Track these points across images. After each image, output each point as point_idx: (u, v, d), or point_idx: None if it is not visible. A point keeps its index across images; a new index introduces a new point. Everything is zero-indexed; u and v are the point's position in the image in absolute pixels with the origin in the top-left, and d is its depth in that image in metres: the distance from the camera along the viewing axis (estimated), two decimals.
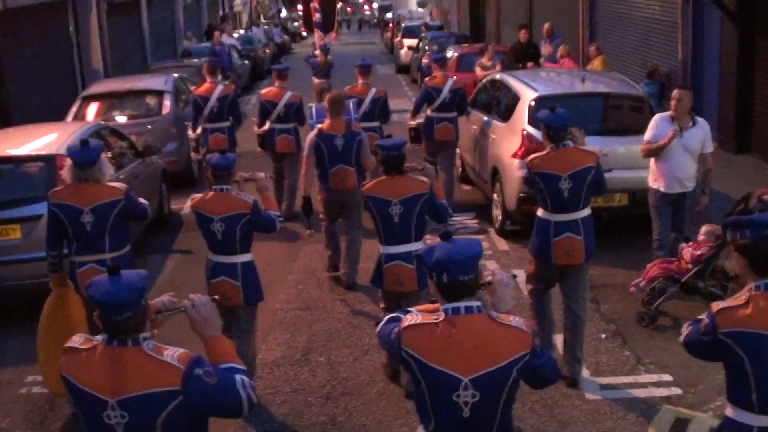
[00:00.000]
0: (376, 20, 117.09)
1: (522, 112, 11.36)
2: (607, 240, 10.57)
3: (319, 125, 10.36)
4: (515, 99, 11.70)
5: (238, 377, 3.84)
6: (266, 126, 13.12)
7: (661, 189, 9.25)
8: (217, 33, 26.42)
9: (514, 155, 11.11)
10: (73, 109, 15.21)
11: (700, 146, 9.24)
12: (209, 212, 7.18)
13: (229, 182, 7.29)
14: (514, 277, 4.34)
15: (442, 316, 3.97)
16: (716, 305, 4.26)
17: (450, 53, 21.81)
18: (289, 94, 13.09)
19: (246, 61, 30.77)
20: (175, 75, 16.96)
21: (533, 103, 11.17)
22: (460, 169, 14.61)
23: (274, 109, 12.97)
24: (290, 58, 43.47)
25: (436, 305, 4.07)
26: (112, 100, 15.44)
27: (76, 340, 3.88)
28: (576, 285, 7.60)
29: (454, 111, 13.06)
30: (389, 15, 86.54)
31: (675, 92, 9.26)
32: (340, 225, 10.60)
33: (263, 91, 13.68)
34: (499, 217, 11.74)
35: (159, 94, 15.39)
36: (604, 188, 7.74)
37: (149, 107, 15.30)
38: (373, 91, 13.06)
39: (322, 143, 10.10)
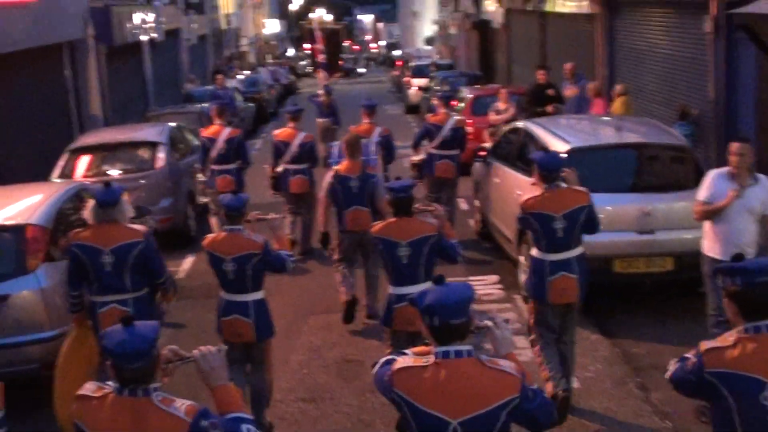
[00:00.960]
0: (383, 58, 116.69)
1: None
2: (651, 311, 9.43)
3: (336, 167, 10.60)
4: (542, 149, 10.52)
5: (244, 427, 3.99)
6: (279, 168, 13.25)
7: (718, 256, 7.99)
8: (219, 76, 25.35)
9: None
10: (60, 164, 14.10)
11: (763, 207, 8.05)
12: (221, 252, 7.32)
13: (242, 222, 7.43)
14: (506, 321, 4.38)
15: (433, 359, 4.06)
16: (704, 345, 4.34)
17: (464, 94, 20.64)
18: (302, 134, 13.32)
19: (250, 104, 29.66)
20: (172, 124, 15.87)
21: (565, 156, 10.00)
22: (479, 224, 13.44)
23: (288, 149, 13.15)
24: (296, 99, 42.48)
25: (430, 348, 4.13)
26: (102, 153, 14.33)
27: (89, 388, 4.00)
28: (566, 328, 7.81)
29: (455, 149, 13.27)
30: (396, 53, 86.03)
31: (734, 146, 8.04)
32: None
33: (276, 132, 13.83)
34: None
35: (153, 146, 14.22)
36: (597, 227, 7.84)
37: (142, 160, 14.18)
38: (378, 131, 13.01)
39: (338, 184, 10.34)
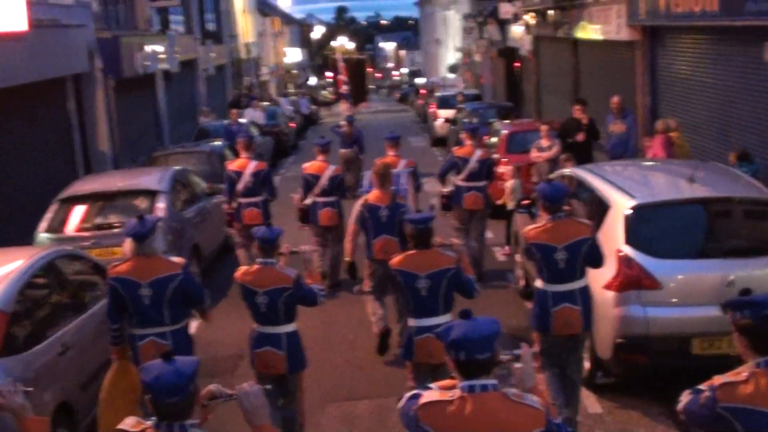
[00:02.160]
0: (407, 86, 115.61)
1: (615, 227, 8.57)
2: None
3: (366, 196, 10.74)
4: (603, 206, 8.90)
5: None
6: (308, 200, 13.26)
7: None
8: (233, 111, 23.88)
9: (608, 286, 8.28)
10: (48, 216, 12.55)
11: None
12: (253, 285, 7.42)
13: (275, 255, 7.52)
14: (536, 354, 4.85)
15: (458, 394, 4.08)
16: (718, 379, 4.30)
17: (498, 129, 19.02)
18: (332, 167, 13.47)
19: (268, 137, 28.03)
20: (177, 167, 14.35)
21: (630, 213, 8.46)
22: (522, 281, 11.84)
23: (317, 182, 13.18)
24: (318, 130, 41.00)
25: (455, 381, 4.15)
26: (95, 204, 12.79)
27: (129, 423, 4.06)
28: (571, 362, 7.76)
29: (483, 180, 13.31)
30: (419, 80, 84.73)
31: None
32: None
33: (306, 165, 13.78)
34: (587, 365, 8.82)
35: (151, 195, 12.69)
36: (601, 260, 7.77)
37: (139, 212, 12.49)
38: (403, 163, 13.03)
39: (368, 213, 10.47)
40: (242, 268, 7.72)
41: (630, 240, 8.21)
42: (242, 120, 26.06)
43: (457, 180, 13.44)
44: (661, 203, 8.55)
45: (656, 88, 20.76)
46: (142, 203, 12.53)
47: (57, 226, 12.33)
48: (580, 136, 15.63)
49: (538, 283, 7.88)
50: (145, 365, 4.09)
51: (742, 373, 4.29)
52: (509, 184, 14.19)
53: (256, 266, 7.54)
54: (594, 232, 7.73)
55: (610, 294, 8.20)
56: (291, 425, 7.60)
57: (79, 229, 12.21)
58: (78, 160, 22.19)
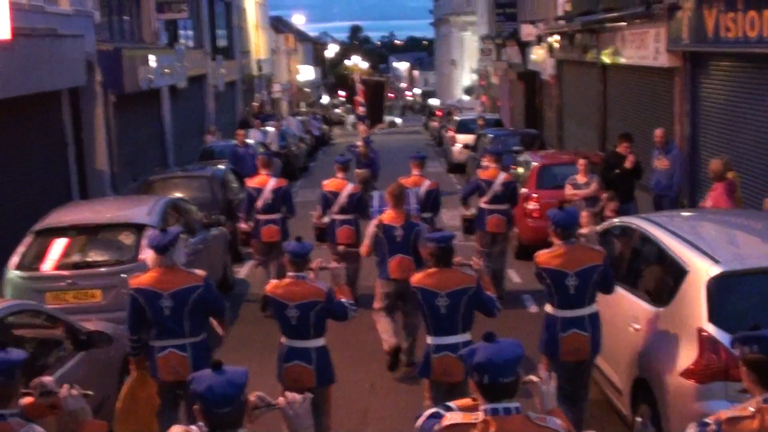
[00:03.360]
0: (419, 106, 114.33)
1: (694, 299, 6.91)
2: None
3: (380, 216, 10.80)
4: (678, 272, 7.17)
5: None
6: (326, 219, 13.27)
7: None
8: (240, 132, 22.25)
9: (687, 373, 6.64)
10: (21, 250, 10.96)
11: None
12: (284, 298, 7.46)
13: (305, 270, 7.55)
14: (550, 376, 4.41)
15: (481, 416, 4.04)
16: (724, 413, 4.27)
17: (526, 161, 17.40)
18: (351, 185, 13.51)
19: (276, 159, 26.28)
20: (170, 197, 12.82)
21: (714, 283, 6.82)
22: None
23: (336, 199, 13.19)
24: (330, 151, 39.49)
25: (476, 402, 4.14)
26: (74, 237, 11.18)
27: (175, 431, 4.07)
28: (580, 386, 7.77)
29: (506, 203, 13.33)
30: (433, 101, 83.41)
31: None
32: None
33: (326, 182, 13.74)
34: None
35: (138, 229, 11.04)
36: (611, 287, 7.81)
37: (122, 249, 11.01)
38: (426, 184, 13.18)
39: (382, 233, 10.54)
40: (273, 282, 7.91)
41: (714, 317, 6.57)
42: (250, 141, 24.49)
43: (480, 202, 13.51)
44: (754, 271, 6.89)
45: (696, 119, 19.14)
46: (127, 239, 10.94)
47: (30, 262, 10.77)
48: (629, 162, 14.06)
49: (548, 308, 7.86)
50: (195, 375, 4.05)
51: (748, 407, 4.23)
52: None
53: (287, 280, 7.60)
54: (606, 259, 7.71)
55: (690, 385, 6.55)
56: None
57: (56, 267, 10.65)
58: (72, 179, 20.70)
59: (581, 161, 14.30)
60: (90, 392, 5.02)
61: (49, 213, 11.82)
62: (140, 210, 11.66)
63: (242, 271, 15.90)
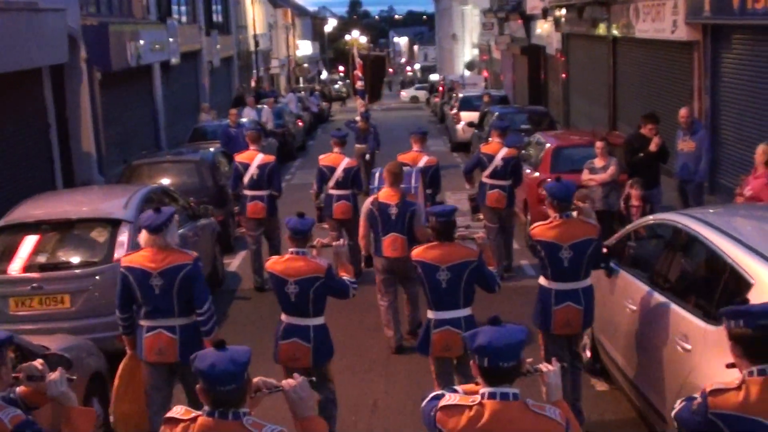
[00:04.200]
0: (418, 81, 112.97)
1: None
2: None
3: (376, 194, 10.67)
4: (739, 284, 5.95)
5: None
6: (322, 195, 13.17)
7: None
8: (232, 111, 20.99)
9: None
10: None
11: None
12: (284, 274, 7.35)
13: (306, 246, 7.46)
14: (563, 366, 4.50)
15: (478, 399, 4.05)
16: (710, 385, 4.33)
17: (539, 142, 16.18)
18: (347, 159, 13.35)
19: (272, 138, 25.06)
20: (151, 186, 11.61)
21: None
22: (589, 353, 9.09)
23: (332, 174, 13.07)
24: (329, 128, 38.12)
25: (479, 387, 4.11)
26: (41, 235, 9.85)
27: (178, 411, 4.05)
28: (575, 354, 7.87)
29: (507, 179, 13.14)
30: (433, 76, 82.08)
31: None
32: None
33: (322, 156, 13.69)
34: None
35: (113, 225, 9.79)
36: (600, 262, 7.88)
37: (95, 248, 9.78)
38: (424, 159, 12.86)
39: (376, 211, 10.43)
40: (273, 258, 7.78)
41: None
42: (244, 120, 23.32)
43: (482, 177, 13.36)
44: None
45: (717, 95, 18.03)
46: (100, 236, 9.73)
47: None
48: (654, 145, 12.85)
49: (542, 281, 7.84)
50: (198, 354, 4.03)
51: (734, 380, 4.28)
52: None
53: (287, 255, 7.46)
54: (600, 233, 7.75)
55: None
56: (330, 408, 7.55)
57: (21, 269, 9.49)
58: (56, 163, 19.53)
59: (599, 143, 13.09)
60: (74, 377, 4.86)
61: (16, 206, 10.63)
62: (116, 203, 10.38)
63: (234, 263, 14.75)
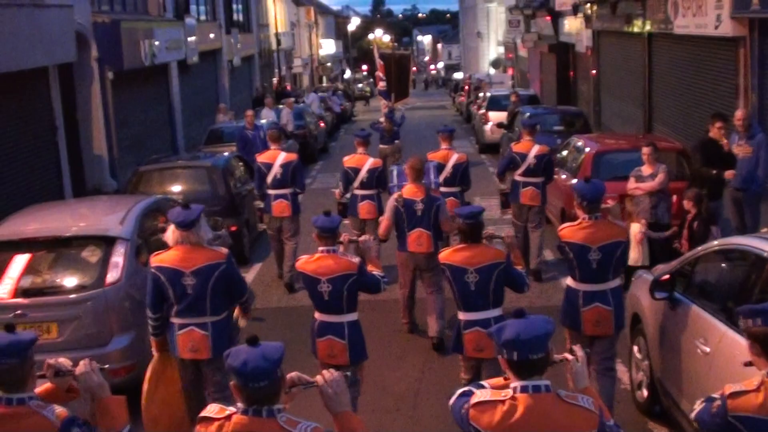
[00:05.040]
0: (442, 80, 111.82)
1: None
2: None
3: (400, 190, 10.68)
4: None
5: None
6: (348, 194, 13.22)
7: None
8: (249, 113, 19.87)
9: None
10: None
11: None
12: (316, 273, 7.36)
13: (335, 243, 7.49)
14: (587, 353, 4.43)
15: (510, 394, 4.00)
16: (729, 387, 4.28)
17: (578, 147, 14.99)
18: (371, 160, 13.39)
19: (292, 141, 23.95)
20: (153, 198, 10.50)
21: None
22: (646, 392, 7.98)
23: (357, 175, 13.11)
24: (352, 129, 37.01)
25: (508, 381, 4.08)
26: (29, 253, 8.65)
27: (212, 410, 4.02)
28: (606, 355, 7.63)
29: (540, 176, 13.11)
30: (458, 75, 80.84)
31: None
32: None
33: (346, 158, 13.67)
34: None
35: (107, 243, 8.74)
36: (624, 266, 7.81)
37: (86, 270, 8.67)
38: (455, 157, 13.05)
39: (402, 207, 10.47)
40: (303, 257, 7.65)
41: None
42: (263, 121, 22.29)
43: (515, 175, 13.32)
44: None
45: (766, 93, 16.82)
46: (92, 255, 8.64)
47: None
48: (729, 174, 11.71)
49: (570, 282, 7.81)
50: (231, 350, 3.98)
51: (753, 381, 4.22)
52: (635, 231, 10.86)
53: (317, 254, 7.46)
54: (629, 236, 7.77)
55: None
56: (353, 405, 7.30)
57: (5, 294, 8.42)
58: (64, 167, 18.57)
59: (646, 149, 11.92)
60: (106, 366, 4.78)
61: (3, 220, 9.59)
62: (111, 218, 9.25)
63: (248, 276, 13.71)
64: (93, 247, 8.69)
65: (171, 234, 7.27)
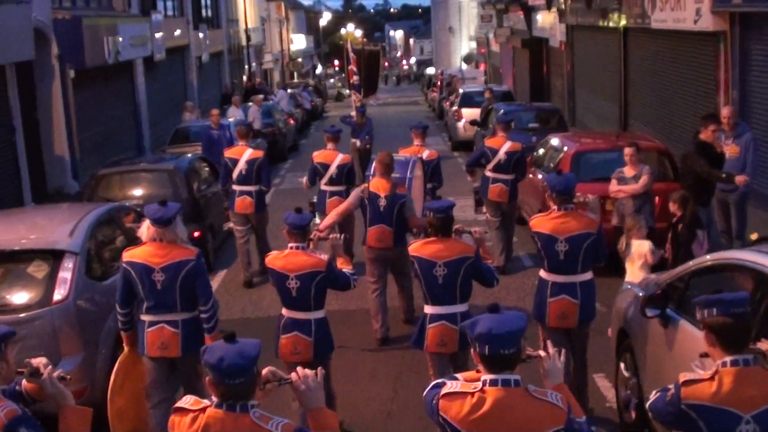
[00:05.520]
0: (414, 75, 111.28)
1: None
2: None
3: (367, 183, 10.67)
4: None
5: None
6: (317, 191, 13.36)
7: None
8: (214, 112, 19.17)
9: None
10: None
11: None
12: (284, 270, 7.37)
13: (305, 240, 7.51)
14: (559, 352, 4.41)
15: (480, 387, 4.04)
16: (683, 376, 4.35)
17: (555, 146, 14.47)
18: (340, 156, 13.43)
19: (260, 139, 23.19)
20: (106, 207, 9.76)
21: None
22: (633, 414, 7.44)
23: (326, 171, 13.19)
24: (322, 125, 36.34)
25: (480, 374, 4.10)
26: None
27: (187, 401, 4.05)
28: (575, 353, 7.66)
29: (510, 173, 13.08)
30: (430, 70, 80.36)
31: None
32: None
33: (315, 153, 13.74)
34: None
35: (55, 257, 8.07)
36: (601, 256, 7.78)
37: (30, 287, 7.96)
38: (425, 153, 12.95)
39: (366, 201, 10.39)
40: (273, 253, 7.71)
41: None
42: (230, 120, 21.64)
43: (485, 170, 13.31)
44: None
45: (747, 89, 16.39)
46: (38, 271, 7.96)
47: None
48: (741, 180, 11.05)
49: (541, 273, 7.83)
50: (208, 346, 3.98)
51: (707, 371, 4.31)
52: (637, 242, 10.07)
53: (286, 251, 7.47)
54: (599, 228, 7.66)
55: None
56: (330, 405, 6.98)
57: None
58: (23, 169, 17.86)
59: (629, 149, 11.38)
60: (68, 376, 4.77)
61: None
62: (60, 230, 8.49)
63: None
64: (40, 262, 8.03)
65: (146, 230, 7.22)
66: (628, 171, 11.30)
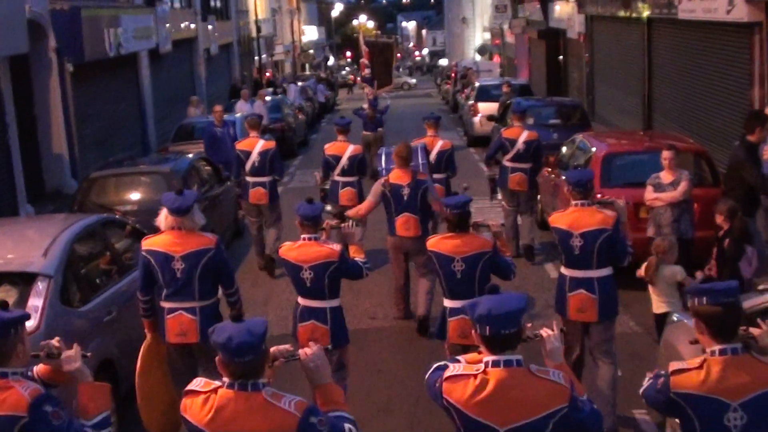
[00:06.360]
0: (426, 67, 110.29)
1: None
2: None
3: (386, 176, 10.83)
4: None
5: (347, 426, 4.08)
6: (328, 183, 13.48)
7: None
8: (217, 108, 18.16)
9: None
10: None
11: None
12: (298, 261, 7.47)
13: (317, 230, 7.59)
14: (562, 330, 4.49)
15: (482, 368, 4.07)
16: (673, 365, 4.40)
17: (582, 147, 13.43)
18: (351, 147, 13.61)
19: (269, 135, 22.04)
20: (89, 220, 8.66)
21: None
22: None
23: (338, 162, 13.34)
24: (335, 118, 35.41)
25: (482, 356, 4.13)
26: None
27: (198, 383, 4.07)
28: (600, 342, 7.66)
29: (528, 162, 13.28)
30: (442, 61, 79.37)
31: None
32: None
33: (327, 145, 13.93)
34: None
35: (25, 280, 7.21)
36: (620, 254, 7.62)
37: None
38: (439, 144, 13.19)
39: (389, 193, 10.62)
40: (286, 244, 7.74)
41: None
42: (237, 115, 20.71)
43: (504, 160, 13.53)
44: None
45: None
46: (7, 297, 7.04)
47: None
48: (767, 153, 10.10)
49: (561, 268, 7.87)
50: (216, 326, 4.04)
51: (696, 360, 4.35)
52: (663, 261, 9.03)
53: (299, 242, 7.54)
54: (616, 224, 7.52)
55: None
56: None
57: None
58: (16, 169, 16.94)
59: (666, 153, 10.33)
60: (88, 354, 4.85)
61: None
62: (32, 249, 7.58)
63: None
64: (8, 287, 7.10)
65: (164, 218, 7.27)
66: (666, 176, 10.27)
